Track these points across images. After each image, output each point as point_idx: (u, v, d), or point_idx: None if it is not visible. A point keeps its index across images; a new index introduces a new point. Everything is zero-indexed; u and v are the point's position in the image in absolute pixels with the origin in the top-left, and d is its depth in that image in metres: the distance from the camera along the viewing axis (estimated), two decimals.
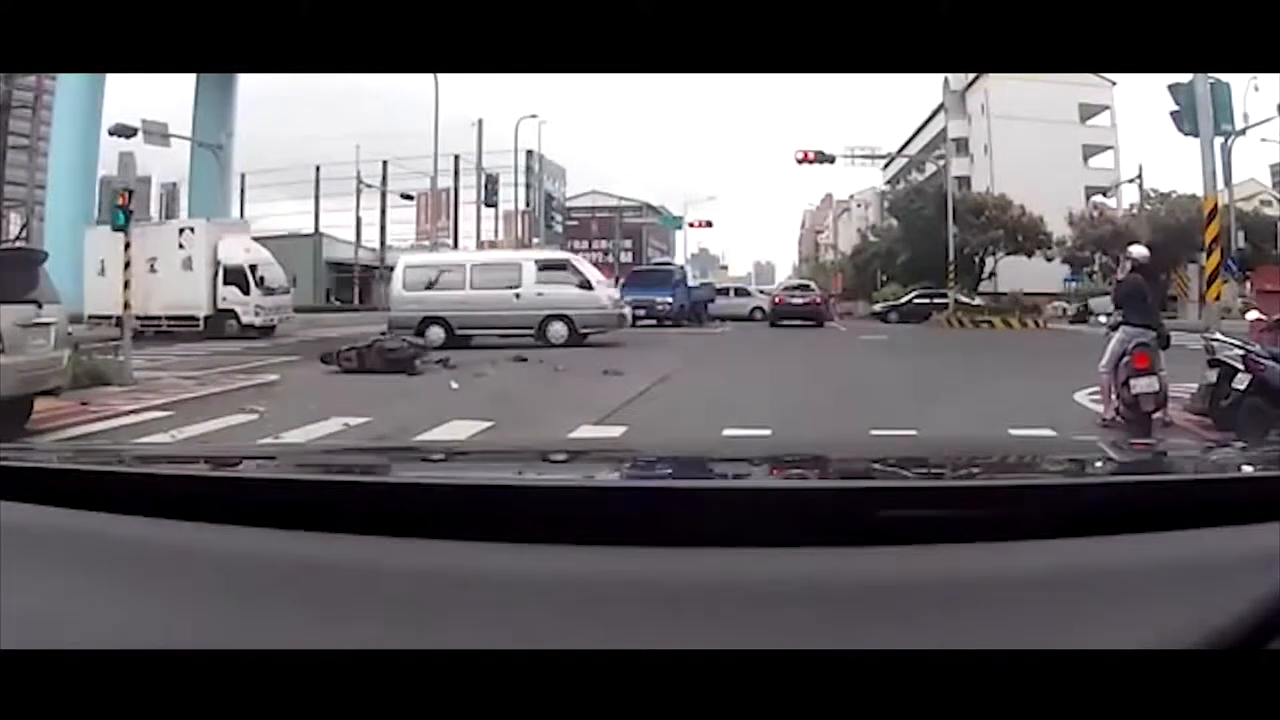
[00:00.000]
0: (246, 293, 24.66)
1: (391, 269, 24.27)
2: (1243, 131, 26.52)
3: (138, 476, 1.04)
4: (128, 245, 14.30)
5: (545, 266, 20.31)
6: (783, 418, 8.47)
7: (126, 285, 13.90)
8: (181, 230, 26.05)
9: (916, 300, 34.76)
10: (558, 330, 18.98)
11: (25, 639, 0.69)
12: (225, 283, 24.68)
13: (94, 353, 11.35)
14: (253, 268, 24.84)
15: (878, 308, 34.00)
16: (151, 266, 24.66)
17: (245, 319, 24.18)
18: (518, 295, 19.35)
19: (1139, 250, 8.83)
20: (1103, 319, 9.13)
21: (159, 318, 24.61)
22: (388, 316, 20.46)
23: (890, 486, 1.04)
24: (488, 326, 19.10)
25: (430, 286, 19.98)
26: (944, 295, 34.57)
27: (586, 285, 20.07)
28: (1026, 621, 0.68)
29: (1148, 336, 7.92)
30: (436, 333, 18.82)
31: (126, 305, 13.03)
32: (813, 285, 35.66)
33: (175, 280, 24.55)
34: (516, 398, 10.48)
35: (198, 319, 24.50)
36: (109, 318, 24.99)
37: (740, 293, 36.85)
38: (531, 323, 19.00)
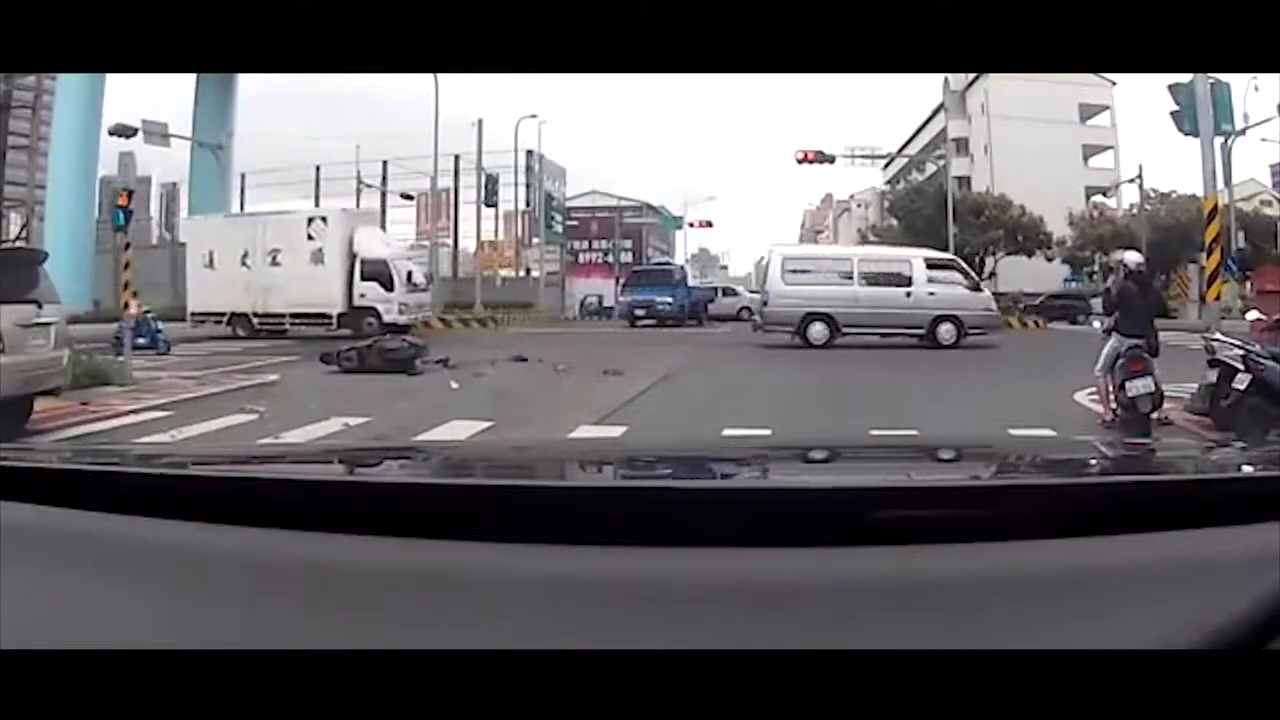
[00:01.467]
0: (390, 289, 22.50)
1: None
2: (1243, 131, 26.53)
3: (138, 476, 1.04)
4: (127, 245, 14.30)
5: (934, 265, 19.37)
6: (783, 418, 8.47)
7: (126, 286, 13.90)
8: (311, 220, 24.11)
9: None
10: (947, 331, 18.11)
11: (25, 639, 0.69)
12: (364, 277, 22.57)
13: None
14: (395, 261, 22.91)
15: None
16: (273, 259, 23.05)
17: (388, 317, 21.92)
18: (908, 294, 18.32)
19: (1132, 256, 8.84)
20: (1096, 323, 9.12)
21: (281, 316, 22.82)
22: (762, 310, 19.15)
23: (890, 486, 1.04)
24: (876, 325, 18.14)
25: (806, 281, 18.60)
26: None
27: (976, 287, 19.18)
28: (1026, 621, 0.68)
29: (1139, 343, 7.94)
30: (819, 330, 17.88)
31: (126, 306, 13.02)
32: None
33: (303, 275, 22.50)
34: (516, 398, 10.48)
35: (329, 317, 22.43)
36: (217, 315, 23.29)
37: (728, 292, 37.27)
38: (922, 322, 18.10)
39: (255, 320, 22.98)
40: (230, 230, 24.72)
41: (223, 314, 23.42)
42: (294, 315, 22.53)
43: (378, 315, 21.95)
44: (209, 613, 0.73)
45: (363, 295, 22.43)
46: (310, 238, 23.15)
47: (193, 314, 23.86)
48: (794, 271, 19.07)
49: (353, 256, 22.82)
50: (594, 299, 38.96)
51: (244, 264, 23.68)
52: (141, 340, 17.38)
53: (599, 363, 13.60)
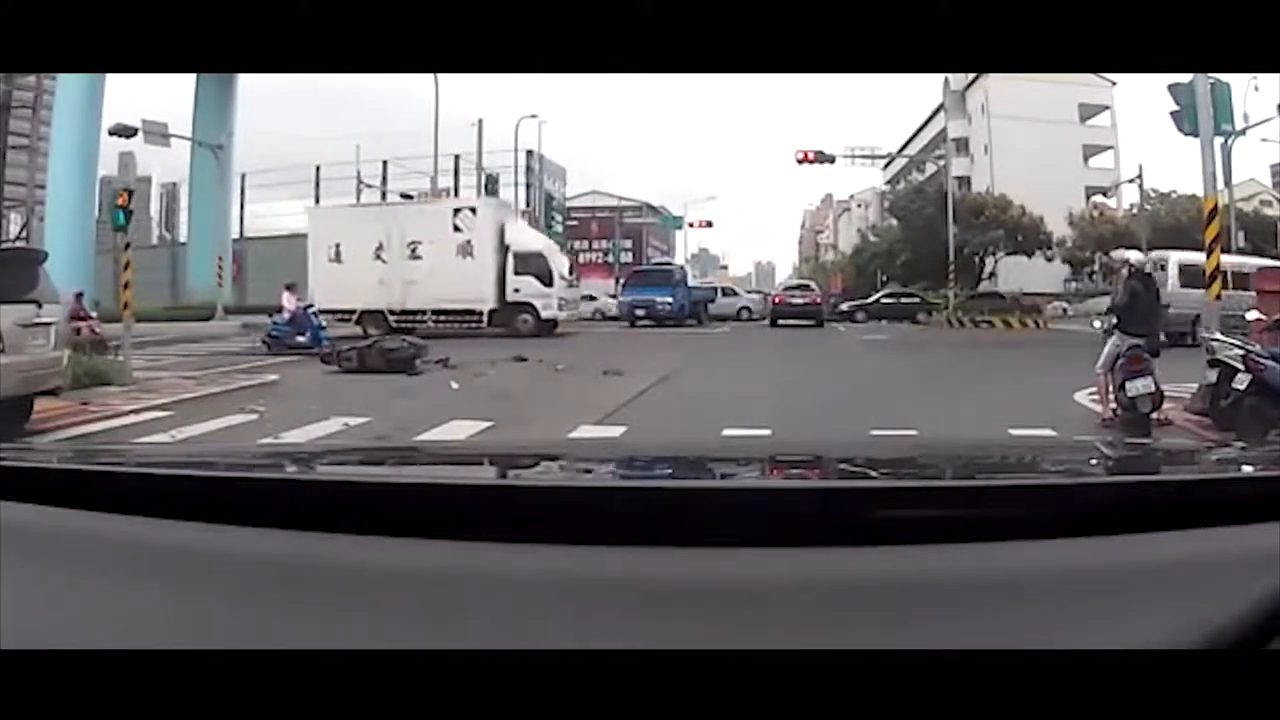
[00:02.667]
0: (549, 283, 21.09)
1: None
2: (1243, 131, 26.49)
3: (138, 476, 1.04)
4: (127, 245, 14.27)
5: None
6: (783, 418, 8.47)
7: (126, 286, 13.87)
8: (458, 210, 22.51)
9: (884, 300, 35.10)
10: None
11: (25, 639, 0.69)
12: (517, 272, 21.11)
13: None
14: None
15: (844, 307, 34.03)
16: (412, 251, 21.47)
17: (546, 314, 20.75)
18: None
19: (1135, 256, 8.84)
20: (1096, 323, 9.13)
21: (422, 313, 21.09)
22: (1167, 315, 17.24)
23: (890, 486, 1.04)
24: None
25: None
26: (914, 296, 35.03)
27: None
28: (1026, 621, 0.68)
29: (1140, 343, 7.94)
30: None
31: (126, 305, 13.01)
32: (813, 285, 35.70)
33: (449, 269, 20.98)
34: (516, 398, 10.48)
35: (479, 314, 20.94)
36: (344, 313, 21.21)
37: (728, 293, 37.28)
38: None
39: (392, 318, 21.18)
40: (361, 220, 22.96)
41: (350, 311, 21.56)
42: (438, 312, 20.96)
43: (534, 311, 20.76)
44: (209, 613, 0.73)
45: (517, 290, 21.09)
46: (457, 229, 21.64)
47: (320, 311, 22.50)
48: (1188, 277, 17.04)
49: (505, 249, 21.46)
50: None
51: (378, 257, 22.07)
52: (302, 338, 16.09)
53: (599, 363, 13.60)
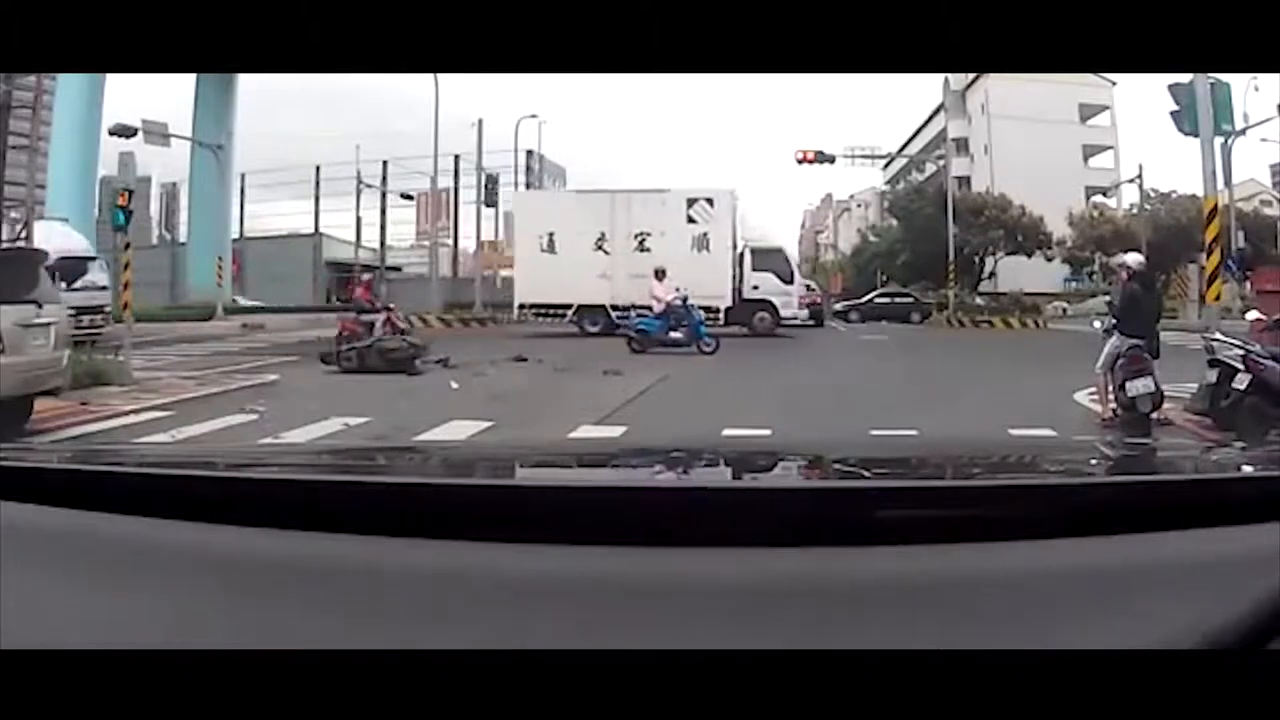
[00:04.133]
0: (790, 281, 20.41)
1: (392, 269, 22.96)
2: (1243, 131, 26.49)
3: (138, 476, 1.04)
4: (127, 245, 14.30)
5: None
6: (783, 417, 8.47)
7: (126, 286, 13.88)
8: (693, 201, 21.10)
9: (877, 300, 35.09)
10: None
11: (25, 639, 0.69)
12: (755, 268, 20.30)
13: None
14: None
15: (838, 307, 34.01)
16: (640, 244, 20.38)
17: (786, 312, 19.97)
18: None
19: (1134, 258, 8.86)
20: (1096, 323, 9.16)
21: (649, 308, 19.97)
22: None
23: (890, 486, 1.04)
24: None
25: None
26: (908, 296, 35.08)
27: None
28: (1026, 621, 0.68)
29: (1140, 343, 7.95)
30: None
31: (126, 305, 13.01)
32: (813, 285, 35.71)
33: (683, 263, 19.35)
34: (516, 398, 10.48)
35: (716, 311, 19.60)
36: (558, 308, 20.31)
37: None
38: None
39: (615, 314, 20.05)
40: (581, 208, 21.54)
41: (565, 305, 20.64)
42: (636, 308, 19.56)
43: (773, 309, 20.00)
44: (209, 613, 0.73)
45: (755, 287, 20.25)
46: (691, 220, 20.59)
47: (521, 306, 21.16)
48: None
49: (742, 243, 20.67)
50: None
51: (600, 248, 20.98)
52: (678, 333, 14.55)
53: (599, 363, 13.60)
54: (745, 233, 21.94)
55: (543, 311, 21.02)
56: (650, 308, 16.31)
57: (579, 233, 21.13)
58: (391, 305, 15.83)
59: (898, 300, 34.92)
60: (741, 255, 20.59)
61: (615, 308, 20.36)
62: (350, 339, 14.95)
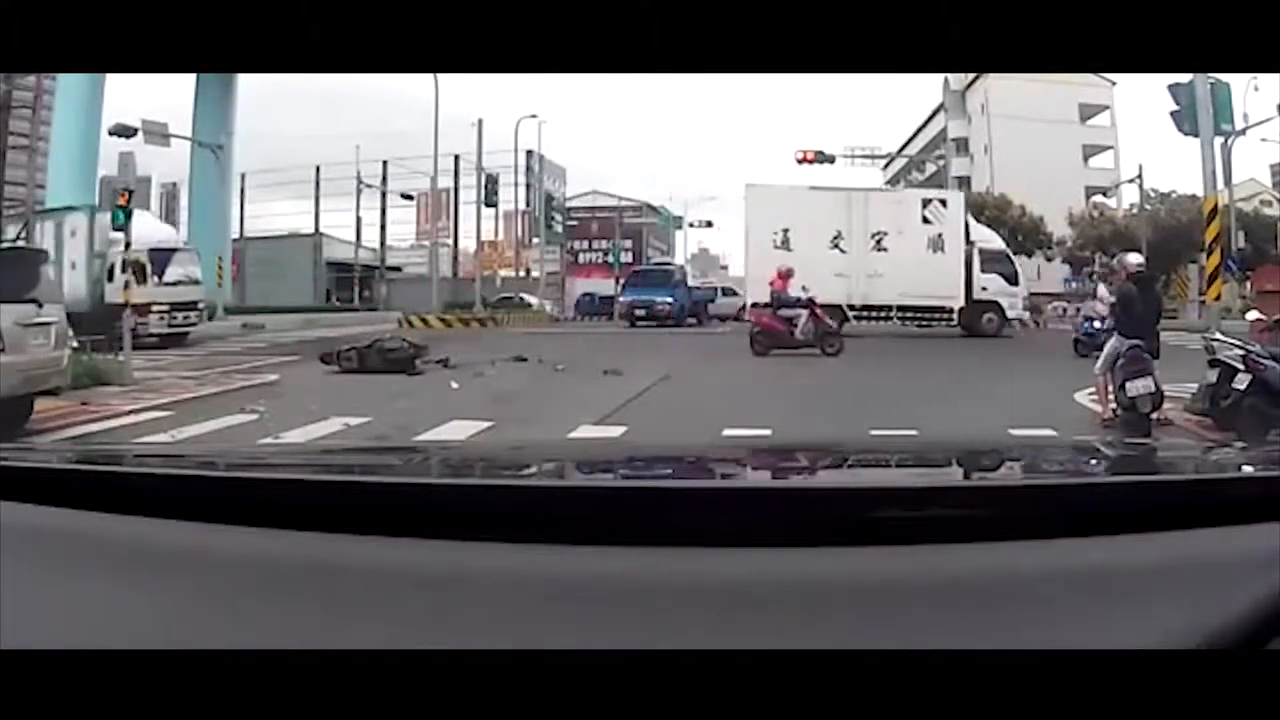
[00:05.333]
0: (1015, 283, 20.36)
1: (392, 269, 22.93)
2: (1243, 131, 26.44)
3: (138, 476, 1.04)
4: (128, 245, 14.30)
5: None
6: (783, 417, 8.47)
7: (127, 286, 13.89)
8: (927, 201, 21.45)
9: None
10: None
11: (25, 639, 0.69)
12: (984, 269, 20.32)
13: None
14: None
15: None
16: (877, 243, 20.45)
17: (1012, 314, 19.90)
18: None
19: (1133, 259, 8.87)
20: (1097, 324, 9.17)
21: (888, 308, 19.90)
22: None
23: (890, 486, 1.04)
24: None
25: None
26: None
27: None
28: (1026, 621, 0.68)
29: (1140, 343, 7.95)
30: None
31: (127, 304, 13.02)
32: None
33: (920, 262, 19.61)
34: (516, 398, 10.48)
35: (949, 311, 19.85)
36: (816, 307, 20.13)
37: (728, 292, 37.36)
38: None
39: (852, 313, 20.15)
40: (818, 205, 21.40)
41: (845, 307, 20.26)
42: (904, 308, 19.74)
43: (1000, 311, 19.93)
44: (209, 613, 0.73)
45: (984, 289, 20.23)
46: (926, 220, 20.65)
47: (754, 305, 20.38)
48: None
49: (970, 244, 20.68)
50: (586, 297, 38.79)
51: (836, 247, 20.88)
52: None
53: (599, 363, 13.60)
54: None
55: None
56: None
57: (816, 229, 20.92)
58: (814, 297, 15.35)
59: None
60: (969, 256, 20.50)
61: (852, 306, 20.20)
62: (766, 336, 14.36)
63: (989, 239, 21.05)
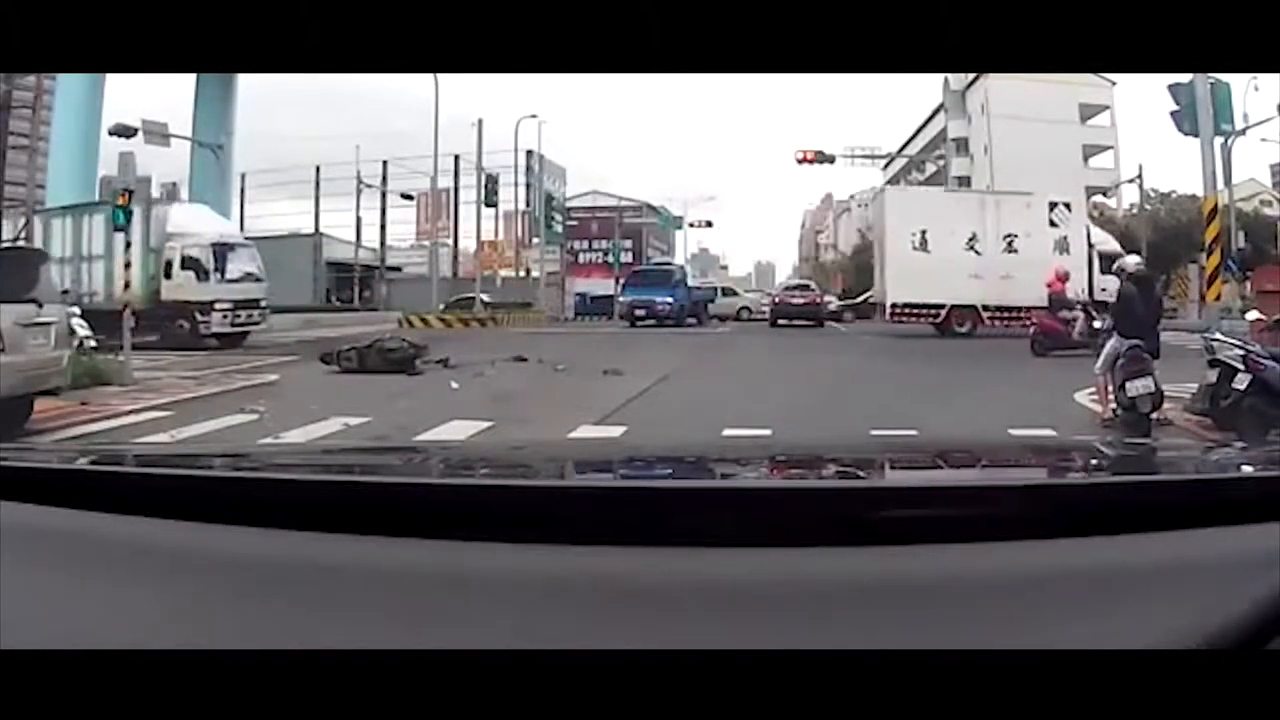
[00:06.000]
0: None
1: (392, 269, 22.75)
2: (1243, 131, 26.40)
3: (138, 476, 1.04)
4: (128, 245, 14.30)
5: None
6: (783, 417, 8.46)
7: (127, 286, 13.90)
8: (1054, 205, 21.71)
9: (872, 300, 35.12)
10: None
11: (25, 639, 0.69)
12: (1103, 271, 19.97)
13: None
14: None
15: (832, 307, 34.10)
16: (1009, 245, 20.75)
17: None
18: None
19: (1132, 260, 8.88)
20: (1096, 323, 9.19)
21: (1017, 309, 19.57)
22: None
23: (890, 486, 1.04)
24: None
25: None
26: None
27: None
28: (1026, 621, 0.68)
29: (1140, 343, 7.96)
30: None
31: (126, 305, 13.02)
32: (813, 285, 35.70)
33: (1047, 264, 19.38)
34: (516, 398, 10.48)
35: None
36: (931, 308, 19.94)
37: (728, 292, 37.63)
38: None
39: (985, 314, 20.48)
40: (954, 207, 22.01)
41: (938, 305, 20.73)
42: (1031, 309, 19.45)
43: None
44: (209, 613, 0.73)
45: (1103, 289, 19.93)
46: (1053, 224, 21.10)
47: (894, 305, 21.05)
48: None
49: (1090, 247, 21.06)
50: (578, 297, 38.84)
51: (972, 248, 21.16)
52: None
53: (599, 363, 13.60)
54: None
55: (913, 312, 20.94)
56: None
57: (950, 232, 21.26)
58: (1084, 299, 15.29)
59: None
60: (1090, 259, 20.89)
61: (986, 308, 20.47)
62: (1047, 337, 14.24)
63: (1105, 240, 21.54)
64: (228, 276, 19.75)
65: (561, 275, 41.45)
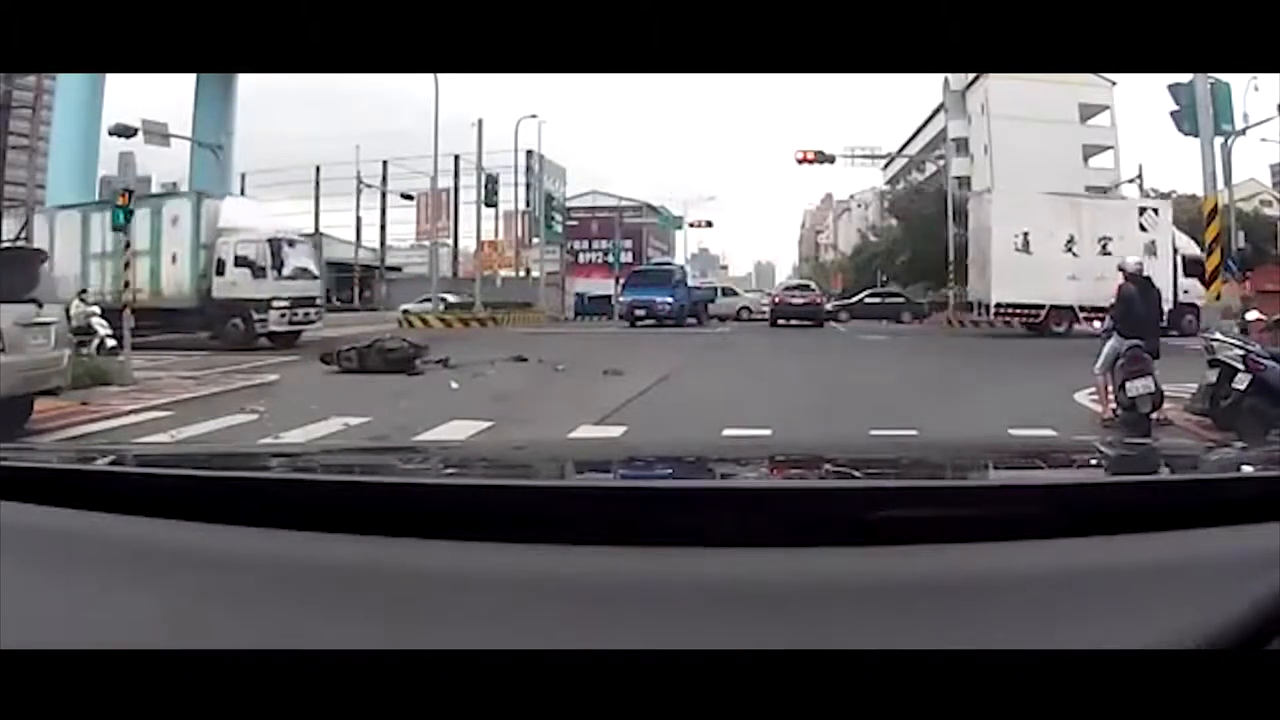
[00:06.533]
0: (1207, 286, 20.50)
1: (392, 269, 22.54)
2: (1243, 131, 26.35)
3: (138, 476, 1.04)
4: (128, 245, 14.29)
5: None
6: (783, 417, 8.46)
7: (126, 285, 13.89)
8: (1143, 210, 22.87)
9: (867, 300, 35.45)
10: None
11: (26, 639, 0.69)
12: (1186, 274, 21.26)
13: None
14: None
15: (828, 306, 34.24)
16: (1103, 247, 21.25)
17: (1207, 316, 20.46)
18: None
19: (1132, 260, 8.90)
20: (1095, 323, 9.21)
21: (1103, 310, 20.87)
22: None
23: (890, 486, 1.03)
24: None
25: None
26: (898, 296, 35.64)
27: None
28: (1026, 621, 0.68)
29: (1140, 343, 7.97)
30: None
31: (125, 306, 13.02)
32: (813, 285, 35.74)
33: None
34: (516, 398, 10.48)
35: (1163, 313, 21.11)
36: (1031, 308, 20.50)
37: (728, 292, 37.79)
38: None
39: (1081, 314, 20.92)
40: (1055, 210, 22.59)
41: (1039, 306, 21.40)
42: (1101, 310, 20.83)
43: (1197, 312, 20.49)
44: (209, 613, 0.73)
45: (1185, 291, 21.02)
46: (1143, 228, 21.92)
47: (998, 306, 21.52)
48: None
49: (1175, 250, 21.70)
50: (579, 297, 38.87)
51: (1070, 250, 21.81)
52: None
53: (599, 363, 13.60)
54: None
55: (1015, 311, 21.36)
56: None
57: (1050, 234, 21.93)
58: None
59: (888, 300, 35.32)
60: (1175, 263, 21.52)
61: (1083, 309, 20.79)
62: None
63: (1188, 245, 22.06)
64: (284, 273, 19.10)
65: (561, 275, 41.42)
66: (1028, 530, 0.77)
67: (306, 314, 19.52)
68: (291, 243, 19.99)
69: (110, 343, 13.87)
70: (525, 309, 32.61)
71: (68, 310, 15.33)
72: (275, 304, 18.59)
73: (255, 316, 18.45)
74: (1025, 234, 21.93)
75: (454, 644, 0.65)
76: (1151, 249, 21.27)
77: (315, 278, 20.34)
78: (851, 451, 1.57)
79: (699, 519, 0.81)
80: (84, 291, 16.19)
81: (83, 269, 18.91)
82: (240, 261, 18.80)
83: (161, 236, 19.31)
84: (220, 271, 18.93)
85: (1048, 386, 10.74)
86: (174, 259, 19.23)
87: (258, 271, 18.75)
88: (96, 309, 14.87)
